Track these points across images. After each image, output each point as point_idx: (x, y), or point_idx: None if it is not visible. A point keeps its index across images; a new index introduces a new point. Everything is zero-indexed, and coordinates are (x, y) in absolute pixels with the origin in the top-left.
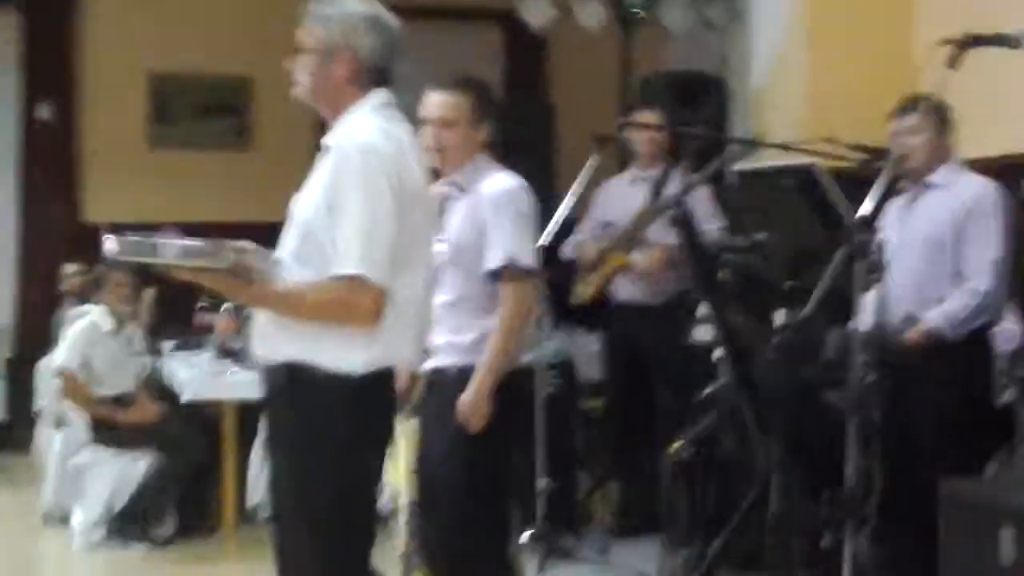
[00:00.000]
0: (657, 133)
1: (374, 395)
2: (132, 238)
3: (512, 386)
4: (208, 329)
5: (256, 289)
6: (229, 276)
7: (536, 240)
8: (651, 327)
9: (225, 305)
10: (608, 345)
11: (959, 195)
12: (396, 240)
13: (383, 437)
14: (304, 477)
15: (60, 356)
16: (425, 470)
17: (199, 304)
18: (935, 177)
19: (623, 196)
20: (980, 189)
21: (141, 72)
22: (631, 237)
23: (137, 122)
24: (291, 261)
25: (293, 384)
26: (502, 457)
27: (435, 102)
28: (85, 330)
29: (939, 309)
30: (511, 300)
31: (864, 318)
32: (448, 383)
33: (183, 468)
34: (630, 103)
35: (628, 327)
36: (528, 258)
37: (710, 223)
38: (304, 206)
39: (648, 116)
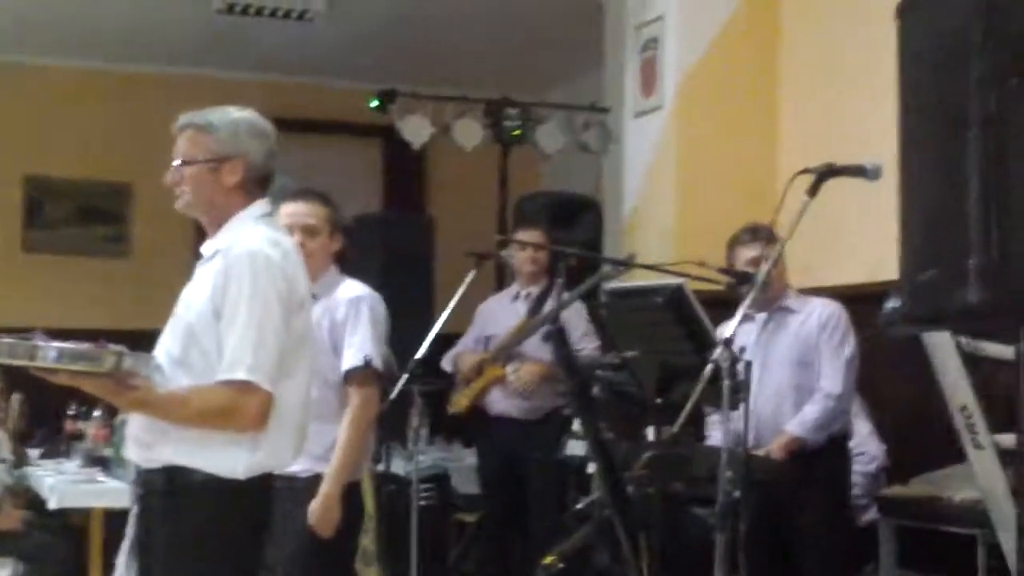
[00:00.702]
0: (537, 252)
1: (254, 499)
2: (7, 340)
3: (356, 492)
4: (78, 436)
5: (138, 394)
6: (109, 381)
7: (386, 349)
8: (525, 442)
9: (95, 412)
10: (482, 457)
11: (813, 316)
12: (283, 346)
13: (259, 541)
14: None
15: None
16: None
17: (69, 410)
18: (789, 302)
19: (504, 312)
20: (829, 308)
21: (16, 175)
22: (507, 350)
23: (11, 225)
24: (171, 366)
25: (171, 488)
26: (348, 564)
27: (299, 211)
28: None
29: (796, 419)
30: (361, 403)
31: (729, 435)
32: (298, 490)
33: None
34: (510, 221)
35: (502, 441)
36: (379, 363)
37: (586, 342)
38: (187, 311)
39: (529, 235)
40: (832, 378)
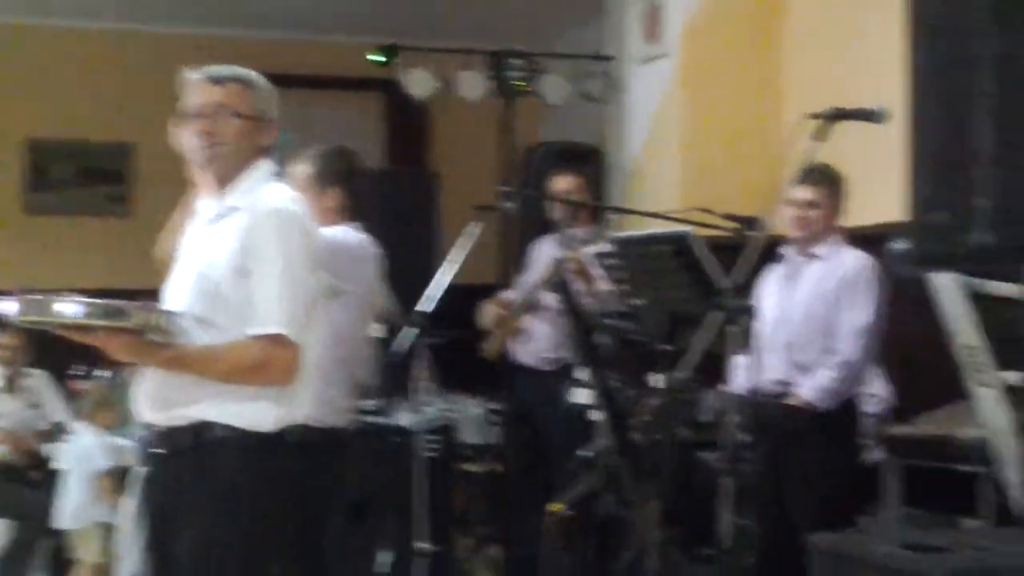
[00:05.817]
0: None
1: (287, 453)
2: (34, 297)
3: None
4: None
5: (170, 351)
6: (138, 338)
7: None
8: (540, 392)
9: (98, 371)
10: (504, 406)
11: (838, 268)
12: (308, 301)
13: (304, 497)
14: (213, 538)
15: None
16: None
17: (71, 370)
18: (818, 249)
19: (542, 257)
20: (856, 261)
21: (18, 137)
22: (530, 299)
23: (12, 188)
24: (193, 323)
25: (198, 444)
26: None
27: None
28: None
29: (810, 384)
30: None
31: (737, 381)
32: None
33: (44, 534)
34: (515, 173)
35: (519, 390)
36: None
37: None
38: (211, 269)
39: (563, 179)
40: (848, 342)
